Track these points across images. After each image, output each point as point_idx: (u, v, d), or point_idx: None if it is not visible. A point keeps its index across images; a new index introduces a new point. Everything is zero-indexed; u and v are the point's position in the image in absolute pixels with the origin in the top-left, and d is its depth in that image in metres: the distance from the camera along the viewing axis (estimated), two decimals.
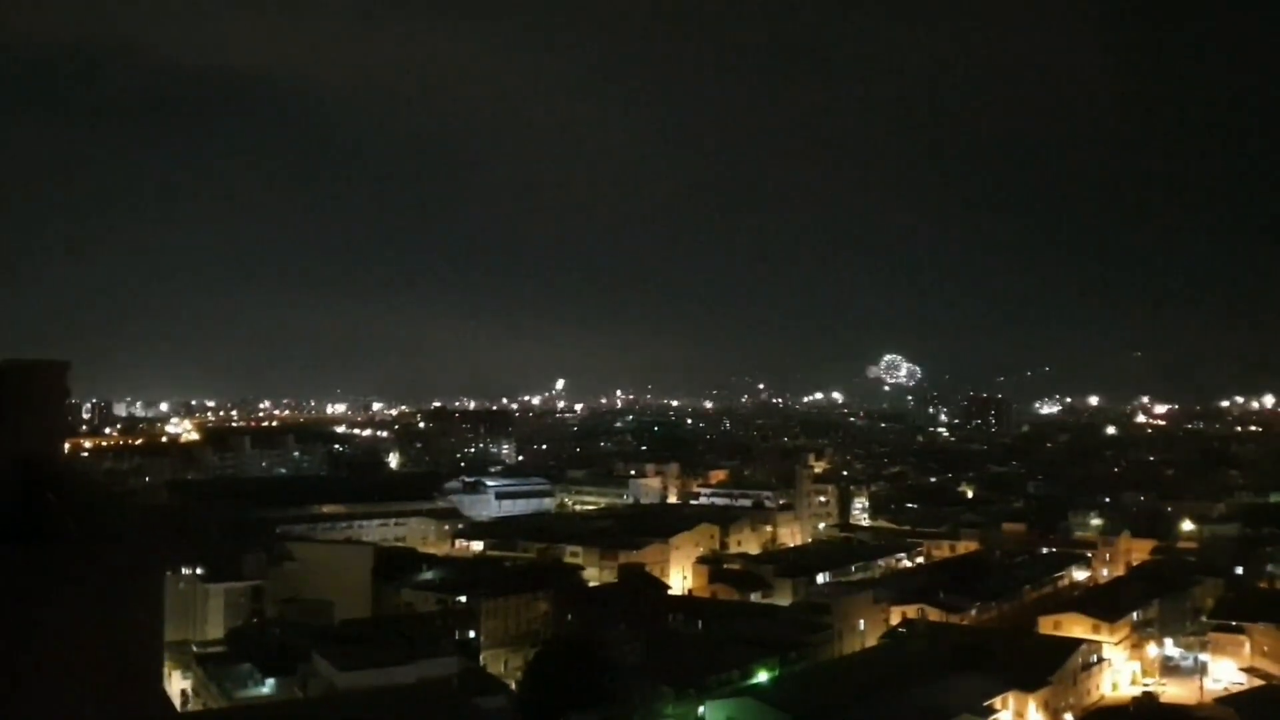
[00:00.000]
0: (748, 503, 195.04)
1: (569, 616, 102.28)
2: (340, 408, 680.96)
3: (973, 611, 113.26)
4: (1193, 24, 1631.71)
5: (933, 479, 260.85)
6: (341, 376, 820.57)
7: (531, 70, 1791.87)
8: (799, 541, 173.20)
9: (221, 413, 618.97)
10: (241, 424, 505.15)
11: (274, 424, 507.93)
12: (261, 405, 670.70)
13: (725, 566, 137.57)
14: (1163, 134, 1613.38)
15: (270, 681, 79.03)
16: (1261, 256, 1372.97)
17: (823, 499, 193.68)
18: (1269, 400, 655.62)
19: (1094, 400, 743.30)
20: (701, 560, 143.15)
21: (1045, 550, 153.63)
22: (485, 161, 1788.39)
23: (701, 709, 76.48)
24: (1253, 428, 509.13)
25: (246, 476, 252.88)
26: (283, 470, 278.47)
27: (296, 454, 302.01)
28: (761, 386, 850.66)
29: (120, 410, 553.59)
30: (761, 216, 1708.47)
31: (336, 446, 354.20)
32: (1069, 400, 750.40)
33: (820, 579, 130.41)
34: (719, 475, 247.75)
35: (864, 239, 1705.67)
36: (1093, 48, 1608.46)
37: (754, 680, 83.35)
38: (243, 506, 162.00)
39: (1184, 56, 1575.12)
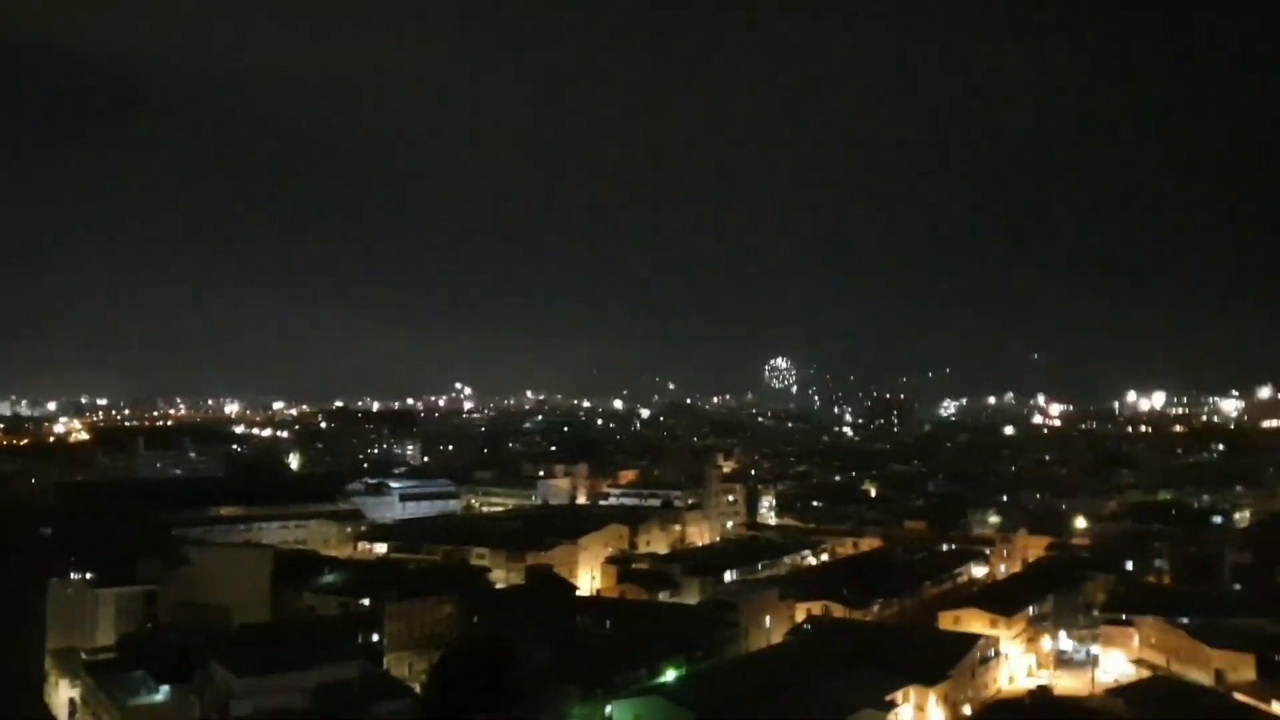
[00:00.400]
0: (657, 502, 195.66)
1: (475, 618, 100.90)
2: (238, 407, 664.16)
3: (875, 608, 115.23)
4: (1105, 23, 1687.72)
5: (837, 478, 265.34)
6: (240, 375, 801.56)
7: (437, 69, 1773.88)
8: (707, 540, 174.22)
9: (113, 412, 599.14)
10: (134, 424, 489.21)
11: (169, 424, 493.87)
12: (156, 405, 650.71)
13: (634, 566, 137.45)
14: (1063, 137, 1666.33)
15: (164, 689, 76.44)
16: (1154, 260, 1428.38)
17: (731, 498, 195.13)
18: (1158, 401, 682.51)
19: (992, 400, 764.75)
20: (610, 560, 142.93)
21: (945, 547, 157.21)
22: (389, 161, 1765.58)
23: (609, 709, 76.18)
24: (1143, 428, 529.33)
25: (140, 478, 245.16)
26: (178, 471, 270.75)
27: (192, 455, 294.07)
28: (672, 386, 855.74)
29: (4, 409, 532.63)
30: (673, 218, 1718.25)
31: (234, 447, 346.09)
32: (965, 401, 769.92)
33: (728, 577, 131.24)
34: (628, 475, 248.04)
35: (772, 242, 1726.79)
36: (1012, 47, 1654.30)
37: (661, 679, 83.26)
38: (135, 509, 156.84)
39: (1104, 53, 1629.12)
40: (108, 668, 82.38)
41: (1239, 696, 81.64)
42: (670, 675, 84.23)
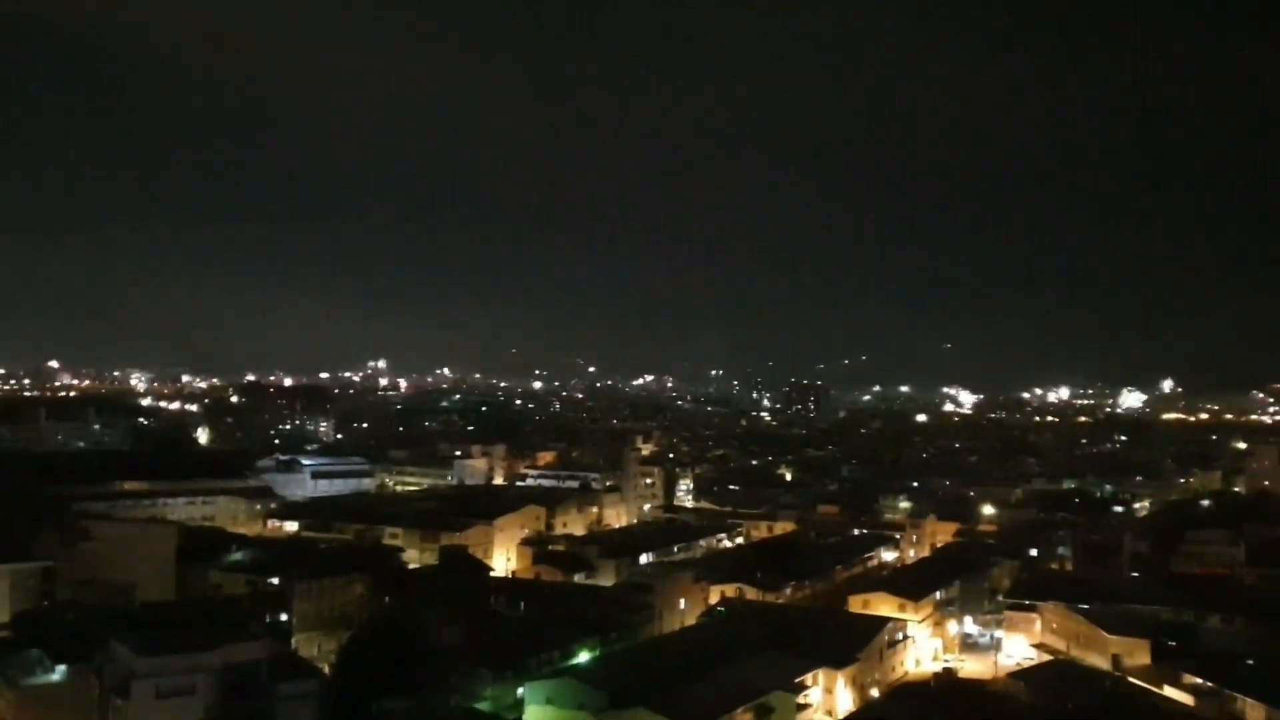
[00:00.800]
0: (575, 484, 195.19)
1: (386, 599, 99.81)
2: (145, 379, 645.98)
3: (787, 590, 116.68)
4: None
5: (754, 462, 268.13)
6: (148, 347, 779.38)
7: (365, 36, 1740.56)
8: (625, 522, 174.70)
9: (13, 382, 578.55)
10: (35, 394, 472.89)
11: (72, 394, 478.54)
12: (59, 374, 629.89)
13: (550, 548, 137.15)
14: (987, 135, 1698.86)
15: (61, 669, 73.90)
16: (1067, 258, 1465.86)
17: (649, 481, 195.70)
18: (1064, 393, 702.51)
19: (906, 389, 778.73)
20: (526, 542, 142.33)
21: (857, 531, 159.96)
22: (309, 130, 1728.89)
23: (521, 690, 75.87)
24: (1049, 418, 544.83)
25: (40, 450, 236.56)
26: (81, 444, 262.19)
27: (96, 427, 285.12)
28: (592, 369, 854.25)
29: None
30: (599, 201, 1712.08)
31: (141, 420, 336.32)
32: (881, 388, 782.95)
33: (643, 559, 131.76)
34: (547, 457, 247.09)
35: (695, 226, 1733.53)
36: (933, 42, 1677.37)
37: (575, 660, 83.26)
38: (35, 482, 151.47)
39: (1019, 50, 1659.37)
40: (2, 647, 79.38)
41: (1134, 680, 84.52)
42: (584, 657, 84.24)
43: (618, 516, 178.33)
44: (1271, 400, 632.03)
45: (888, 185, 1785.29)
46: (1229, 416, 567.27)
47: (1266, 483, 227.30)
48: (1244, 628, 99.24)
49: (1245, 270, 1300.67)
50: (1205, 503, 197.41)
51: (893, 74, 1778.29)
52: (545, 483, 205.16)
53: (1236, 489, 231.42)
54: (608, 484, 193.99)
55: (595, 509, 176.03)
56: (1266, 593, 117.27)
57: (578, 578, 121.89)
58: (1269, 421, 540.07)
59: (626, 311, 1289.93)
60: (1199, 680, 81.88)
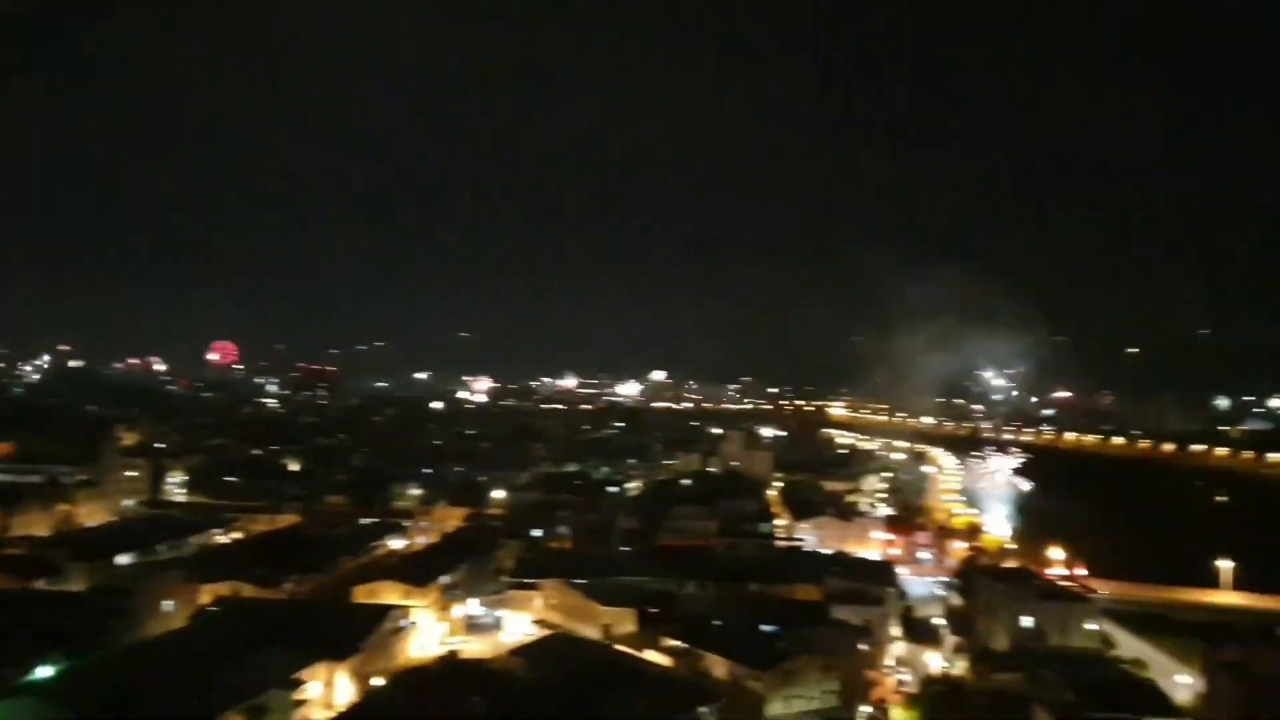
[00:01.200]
0: (39, 479, 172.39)
1: None
2: None
3: (289, 585, 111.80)
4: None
5: (257, 451, 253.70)
6: None
7: None
8: (102, 521, 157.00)
9: None
10: None
11: None
12: None
13: (5, 552, 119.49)
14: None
15: None
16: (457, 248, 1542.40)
17: (132, 473, 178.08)
18: (571, 382, 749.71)
19: (422, 375, 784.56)
20: None
21: (366, 521, 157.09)
22: None
23: None
24: (556, 405, 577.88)
25: None
26: None
27: None
28: (68, 347, 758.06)
29: None
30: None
31: None
32: (398, 376, 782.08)
33: (123, 560, 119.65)
34: (3, 448, 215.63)
35: (195, 191, 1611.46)
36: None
37: (36, 677, 72.72)
38: None
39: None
40: None
41: (621, 647, 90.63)
42: (47, 672, 73.78)
43: (94, 514, 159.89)
44: (739, 391, 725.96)
45: (392, 177, 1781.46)
46: (708, 405, 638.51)
47: (735, 463, 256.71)
48: (714, 592, 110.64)
49: (728, 273, 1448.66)
50: (686, 482, 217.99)
51: None
52: (1, 478, 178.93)
53: (712, 469, 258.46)
54: (81, 478, 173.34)
55: (65, 506, 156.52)
56: (732, 560, 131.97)
57: (39, 584, 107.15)
58: (738, 409, 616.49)
59: (114, 286, 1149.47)
60: (676, 642, 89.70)
